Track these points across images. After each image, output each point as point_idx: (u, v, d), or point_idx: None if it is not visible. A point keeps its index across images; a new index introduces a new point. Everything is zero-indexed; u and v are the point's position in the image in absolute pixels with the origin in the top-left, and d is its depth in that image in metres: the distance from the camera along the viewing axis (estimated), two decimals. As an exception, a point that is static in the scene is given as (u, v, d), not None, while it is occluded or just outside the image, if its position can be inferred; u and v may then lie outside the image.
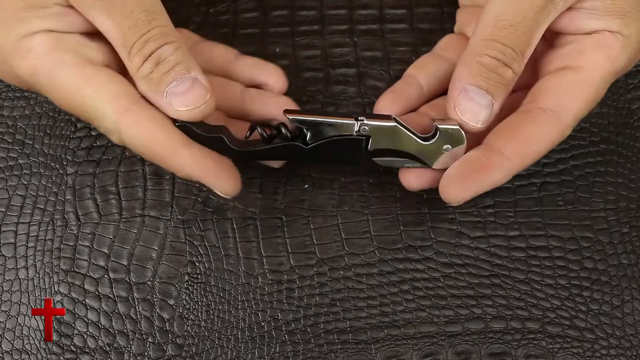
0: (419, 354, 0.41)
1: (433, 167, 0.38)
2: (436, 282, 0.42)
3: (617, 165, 0.44)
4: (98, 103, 0.35)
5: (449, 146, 0.37)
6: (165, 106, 0.36)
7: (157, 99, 0.36)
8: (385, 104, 0.41)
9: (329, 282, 0.42)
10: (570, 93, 0.37)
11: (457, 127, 0.37)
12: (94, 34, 0.37)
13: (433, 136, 0.37)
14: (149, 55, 0.35)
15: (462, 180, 0.37)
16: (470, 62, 0.36)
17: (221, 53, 0.42)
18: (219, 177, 0.37)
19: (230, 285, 0.42)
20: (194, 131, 0.36)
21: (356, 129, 0.37)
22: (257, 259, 0.42)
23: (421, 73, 0.42)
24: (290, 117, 0.37)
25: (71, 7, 0.36)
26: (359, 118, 0.37)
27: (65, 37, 0.36)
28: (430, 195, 0.43)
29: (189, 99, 0.36)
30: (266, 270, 0.42)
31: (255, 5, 0.47)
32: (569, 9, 0.36)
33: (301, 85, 0.45)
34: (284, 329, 0.41)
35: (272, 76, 0.42)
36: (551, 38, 0.39)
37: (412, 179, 0.39)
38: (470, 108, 0.36)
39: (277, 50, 0.46)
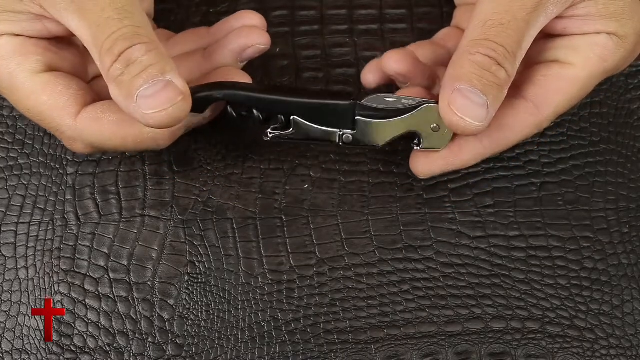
0: (419, 354, 0.41)
1: (423, 148, 0.38)
2: (436, 282, 0.42)
3: (617, 165, 0.44)
4: (55, 111, 0.35)
5: (437, 125, 0.37)
6: (133, 111, 0.32)
7: (128, 105, 0.33)
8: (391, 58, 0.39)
9: (329, 282, 0.42)
10: (555, 87, 0.36)
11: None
12: (65, 41, 0.37)
13: (410, 110, 0.37)
14: (119, 55, 0.32)
15: (432, 156, 0.38)
16: (462, 62, 0.35)
17: (193, 38, 0.41)
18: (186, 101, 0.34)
19: (230, 285, 0.42)
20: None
21: (337, 139, 0.38)
22: (257, 259, 0.42)
23: (419, 50, 0.40)
24: (271, 136, 0.37)
25: (43, 16, 0.35)
26: (341, 132, 0.37)
27: (31, 42, 0.35)
28: (430, 195, 0.43)
29: (157, 100, 0.32)
30: (266, 270, 0.42)
31: (255, 5, 0.47)
32: (562, 17, 0.36)
33: (301, 86, 0.45)
34: (284, 329, 0.41)
35: (248, 20, 0.39)
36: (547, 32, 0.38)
37: (420, 165, 0.39)
38: (468, 106, 0.34)
39: (277, 50, 0.46)
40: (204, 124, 0.39)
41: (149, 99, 0.32)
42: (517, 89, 0.37)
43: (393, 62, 0.38)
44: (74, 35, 0.35)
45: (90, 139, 0.36)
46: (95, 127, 0.35)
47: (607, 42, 0.36)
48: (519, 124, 0.37)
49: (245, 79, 0.38)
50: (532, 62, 0.38)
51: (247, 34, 0.38)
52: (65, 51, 0.37)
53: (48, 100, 0.35)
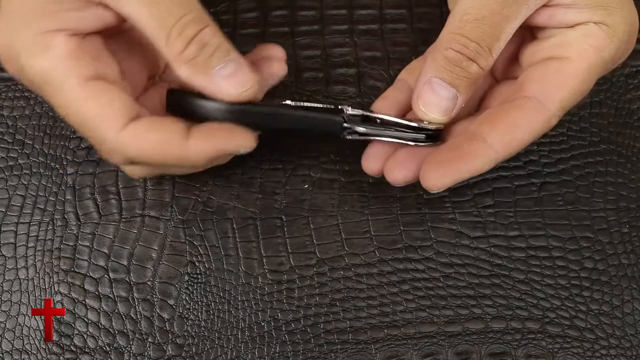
0: (419, 354, 0.41)
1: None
2: (436, 282, 0.42)
3: (617, 165, 0.44)
4: (99, 122, 0.35)
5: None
6: (214, 89, 0.35)
7: (204, 83, 0.35)
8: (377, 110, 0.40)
9: (329, 282, 0.42)
10: (556, 82, 0.36)
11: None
12: (117, 45, 0.37)
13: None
14: (192, 38, 0.35)
15: (442, 167, 0.36)
16: (435, 55, 0.36)
17: None
18: (235, 138, 0.36)
19: (230, 285, 0.42)
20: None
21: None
22: (257, 259, 0.42)
23: (412, 77, 0.41)
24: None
25: (100, 3, 0.35)
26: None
27: (86, 44, 0.35)
28: (430, 195, 0.43)
29: (238, 81, 0.35)
30: (266, 270, 0.42)
31: (255, 5, 0.47)
32: (547, 6, 0.36)
33: (301, 85, 0.45)
34: (284, 329, 0.41)
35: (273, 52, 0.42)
36: (535, 31, 0.38)
37: (431, 178, 0.37)
38: (433, 100, 0.36)
39: (277, 50, 0.46)
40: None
41: (230, 79, 0.35)
42: (519, 90, 0.37)
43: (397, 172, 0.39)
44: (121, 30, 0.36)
45: (131, 155, 0.35)
46: (138, 144, 0.35)
47: (598, 32, 0.36)
48: (528, 123, 0.36)
49: (280, 51, 0.41)
50: (528, 64, 0.38)
51: (269, 65, 0.41)
52: (115, 63, 0.37)
53: (93, 111, 0.35)
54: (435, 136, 0.38)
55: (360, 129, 0.38)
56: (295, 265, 0.42)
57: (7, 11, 0.35)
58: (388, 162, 0.38)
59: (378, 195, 0.43)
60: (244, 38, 0.46)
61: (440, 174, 0.36)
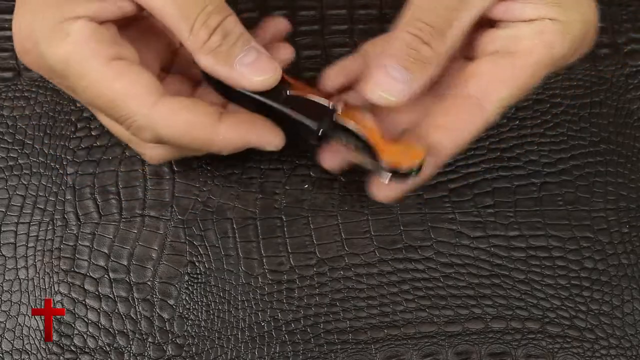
0: (419, 354, 0.41)
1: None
2: (436, 282, 0.42)
3: (617, 165, 0.44)
4: (129, 99, 0.35)
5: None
6: (237, 77, 0.35)
7: (227, 72, 0.35)
8: (331, 77, 0.40)
9: (329, 282, 0.42)
10: (498, 79, 0.36)
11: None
12: (130, 36, 0.37)
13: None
14: (215, 28, 0.35)
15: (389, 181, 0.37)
16: (391, 39, 0.36)
17: None
18: (265, 134, 0.37)
19: (230, 285, 0.42)
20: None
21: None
22: (257, 259, 0.42)
23: (374, 50, 0.41)
24: None
25: None
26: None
27: (103, 29, 0.36)
28: (430, 195, 0.43)
29: (261, 68, 0.36)
30: (266, 270, 0.42)
31: (255, 5, 0.47)
32: (504, 0, 0.36)
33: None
34: (284, 329, 0.41)
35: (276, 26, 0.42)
36: (493, 22, 0.38)
37: (380, 190, 0.38)
38: (385, 82, 0.35)
39: (277, 50, 0.46)
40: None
41: (252, 67, 0.35)
42: (463, 87, 0.37)
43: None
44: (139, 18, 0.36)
45: (161, 132, 0.35)
46: (169, 121, 0.35)
47: (552, 28, 0.36)
48: (467, 125, 0.36)
49: (288, 49, 0.41)
50: (480, 53, 0.38)
51: (277, 50, 0.41)
52: (130, 46, 0.37)
53: (123, 88, 0.35)
54: (405, 175, 0.36)
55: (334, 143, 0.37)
56: (295, 265, 0.42)
57: (25, 0, 0.36)
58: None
59: (378, 195, 0.43)
60: (244, 38, 0.46)
61: (390, 187, 0.37)
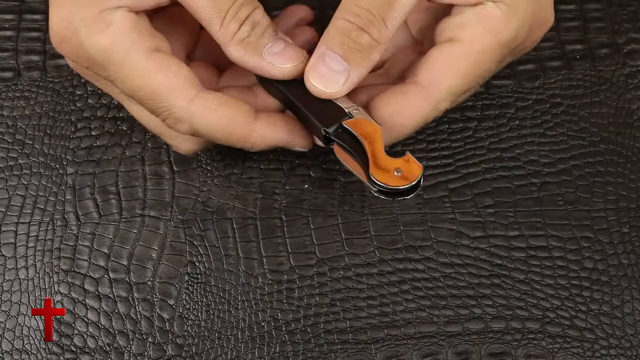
0: (419, 354, 0.41)
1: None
2: (436, 282, 0.42)
3: (617, 165, 0.44)
4: (169, 91, 0.35)
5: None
6: (267, 67, 0.36)
7: (256, 62, 0.36)
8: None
9: (329, 282, 0.42)
10: (442, 66, 0.36)
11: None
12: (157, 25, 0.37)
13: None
14: (246, 19, 0.36)
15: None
16: (329, 27, 0.36)
17: None
18: (296, 135, 0.37)
19: (230, 285, 0.42)
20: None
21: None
22: (257, 259, 0.42)
23: None
24: None
25: None
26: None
27: (142, 20, 0.36)
28: (430, 195, 0.43)
29: (289, 56, 0.36)
30: (266, 270, 0.42)
31: (255, 5, 0.47)
32: None
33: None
34: (284, 329, 0.41)
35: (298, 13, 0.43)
36: (447, 9, 0.38)
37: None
38: (323, 73, 0.36)
39: (277, 50, 0.46)
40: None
41: (282, 55, 0.36)
42: (412, 74, 0.37)
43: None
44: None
45: (198, 126, 0.36)
46: (207, 116, 0.36)
47: (495, 13, 0.35)
48: (411, 110, 0.36)
49: (310, 31, 0.42)
50: (433, 43, 0.37)
51: (301, 34, 0.42)
52: (168, 37, 0.37)
53: (164, 80, 0.35)
54: (396, 194, 0.35)
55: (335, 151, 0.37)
56: (295, 265, 0.42)
57: None
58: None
59: (378, 195, 0.43)
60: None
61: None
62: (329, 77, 0.36)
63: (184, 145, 0.40)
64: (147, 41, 0.36)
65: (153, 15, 0.38)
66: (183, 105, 0.35)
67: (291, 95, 0.37)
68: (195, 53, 0.41)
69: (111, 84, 0.37)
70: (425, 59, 0.37)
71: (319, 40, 0.37)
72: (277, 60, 0.36)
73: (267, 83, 0.38)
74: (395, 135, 0.37)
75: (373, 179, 0.35)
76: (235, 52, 0.36)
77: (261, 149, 0.38)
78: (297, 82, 0.37)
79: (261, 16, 0.36)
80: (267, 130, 0.37)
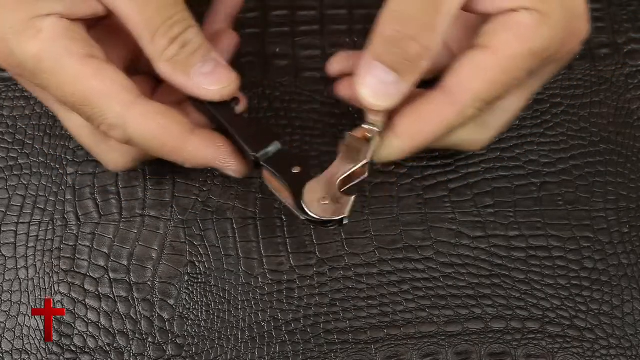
0: (419, 354, 0.41)
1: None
2: (436, 282, 0.42)
3: (617, 165, 0.44)
4: (104, 97, 0.35)
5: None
6: (193, 87, 0.36)
7: (183, 81, 0.36)
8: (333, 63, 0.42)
9: (329, 282, 0.42)
10: (470, 73, 0.35)
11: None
12: (96, 36, 0.37)
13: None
14: (176, 37, 0.35)
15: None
16: (374, 38, 0.34)
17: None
18: (232, 158, 0.37)
19: (230, 285, 0.42)
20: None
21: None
22: (257, 259, 0.42)
23: None
24: None
25: None
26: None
27: (75, 27, 0.35)
28: (430, 195, 0.43)
29: (217, 78, 0.36)
30: (266, 270, 0.42)
31: (255, 5, 0.47)
32: None
33: (301, 85, 0.45)
34: (284, 329, 0.41)
35: None
36: (482, 19, 0.37)
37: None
38: (373, 85, 0.34)
39: (277, 50, 0.46)
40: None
41: (209, 76, 0.36)
42: (440, 81, 0.36)
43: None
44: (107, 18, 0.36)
45: (132, 133, 0.35)
46: (142, 124, 0.35)
47: (527, 20, 0.34)
48: (436, 116, 0.35)
49: (233, 36, 0.42)
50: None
51: (220, 37, 0.42)
52: (100, 45, 0.37)
53: (99, 86, 0.35)
54: (323, 224, 0.35)
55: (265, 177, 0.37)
56: (295, 265, 0.42)
57: None
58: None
59: (378, 195, 0.43)
60: (244, 38, 0.46)
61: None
62: (379, 88, 0.34)
63: (113, 162, 0.39)
64: (81, 48, 0.35)
65: (92, 25, 0.37)
66: (118, 111, 0.35)
67: (220, 117, 0.37)
68: (138, 66, 0.41)
69: (44, 92, 0.37)
70: (452, 65, 0.36)
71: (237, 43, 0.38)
72: (205, 81, 0.36)
73: (198, 102, 0.37)
74: (419, 142, 0.36)
75: (304, 207, 0.35)
76: (163, 68, 0.36)
77: (193, 166, 0.37)
78: (227, 104, 0.37)
79: (194, 35, 0.36)
80: (201, 147, 0.36)
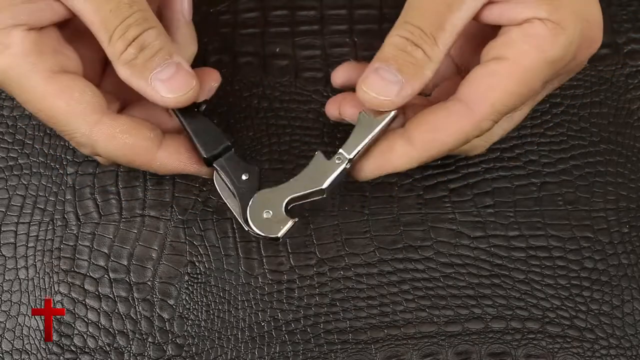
0: (419, 354, 0.41)
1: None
2: (436, 282, 0.42)
3: (617, 165, 0.44)
4: (69, 116, 0.35)
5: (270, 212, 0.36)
6: (150, 93, 0.35)
7: (141, 85, 0.35)
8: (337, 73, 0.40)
9: (329, 282, 0.42)
10: (486, 84, 0.35)
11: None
12: (70, 32, 0.37)
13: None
14: (133, 40, 0.34)
15: (367, 159, 0.36)
16: (383, 45, 0.35)
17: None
18: (198, 164, 0.37)
19: (230, 285, 0.42)
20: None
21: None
22: (257, 259, 0.42)
23: None
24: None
25: None
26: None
27: (45, 38, 0.35)
28: (430, 195, 0.43)
29: (176, 85, 0.35)
30: (266, 270, 0.42)
31: (255, 5, 0.47)
32: (496, 2, 0.35)
33: (301, 85, 0.45)
34: (284, 329, 0.41)
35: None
36: (494, 31, 0.37)
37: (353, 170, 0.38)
38: (377, 83, 0.35)
39: (277, 50, 0.46)
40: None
41: (167, 83, 0.35)
42: (456, 92, 0.36)
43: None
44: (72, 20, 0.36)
45: (100, 151, 0.36)
46: (108, 143, 0.35)
47: (542, 31, 0.34)
48: (452, 126, 0.35)
49: (215, 77, 0.39)
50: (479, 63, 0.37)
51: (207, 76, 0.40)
52: (76, 49, 0.37)
53: (64, 106, 0.35)
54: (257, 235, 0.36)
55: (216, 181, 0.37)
56: (295, 265, 0.42)
57: None
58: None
59: (378, 195, 0.43)
60: (244, 38, 0.46)
61: (365, 166, 0.37)
62: (382, 86, 0.35)
63: (98, 159, 0.39)
64: (49, 62, 0.35)
65: (65, 24, 0.37)
66: (84, 131, 0.35)
67: (181, 116, 0.37)
68: None
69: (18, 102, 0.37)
70: (468, 77, 0.36)
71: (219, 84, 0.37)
72: (162, 87, 0.35)
73: None
74: (434, 153, 0.36)
75: (248, 217, 0.36)
76: (122, 72, 0.35)
77: (168, 174, 0.37)
78: (190, 105, 0.36)
79: (154, 37, 0.35)
80: (170, 160, 0.36)
